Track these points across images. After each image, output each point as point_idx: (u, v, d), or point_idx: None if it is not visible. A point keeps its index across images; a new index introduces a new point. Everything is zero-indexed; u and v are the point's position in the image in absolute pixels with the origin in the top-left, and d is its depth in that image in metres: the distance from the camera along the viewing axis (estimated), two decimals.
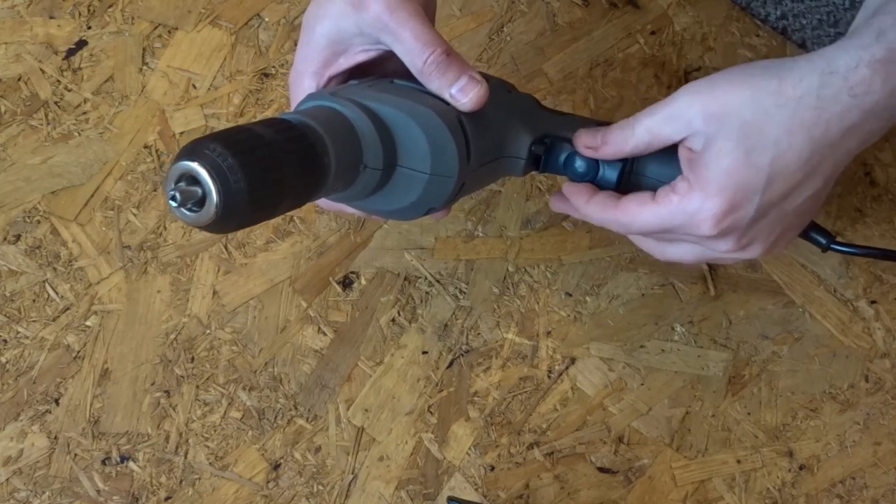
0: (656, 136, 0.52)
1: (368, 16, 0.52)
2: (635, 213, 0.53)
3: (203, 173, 0.40)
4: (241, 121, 0.75)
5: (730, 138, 0.48)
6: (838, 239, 0.58)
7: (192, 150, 0.40)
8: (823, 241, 0.59)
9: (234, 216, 0.41)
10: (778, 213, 0.51)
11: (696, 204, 0.50)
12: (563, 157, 0.59)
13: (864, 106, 0.47)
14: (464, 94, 0.52)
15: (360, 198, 0.53)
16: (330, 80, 0.56)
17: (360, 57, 0.55)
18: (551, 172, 0.60)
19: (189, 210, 0.41)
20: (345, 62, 0.55)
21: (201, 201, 0.40)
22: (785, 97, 0.48)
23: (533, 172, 0.61)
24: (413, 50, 0.52)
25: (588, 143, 0.55)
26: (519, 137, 0.58)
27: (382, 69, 0.56)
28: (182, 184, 0.40)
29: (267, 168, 0.42)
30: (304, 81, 0.56)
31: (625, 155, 0.54)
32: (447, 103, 0.52)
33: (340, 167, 0.48)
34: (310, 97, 0.52)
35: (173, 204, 0.40)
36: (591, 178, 0.59)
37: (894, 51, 0.46)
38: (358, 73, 0.56)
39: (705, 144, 0.49)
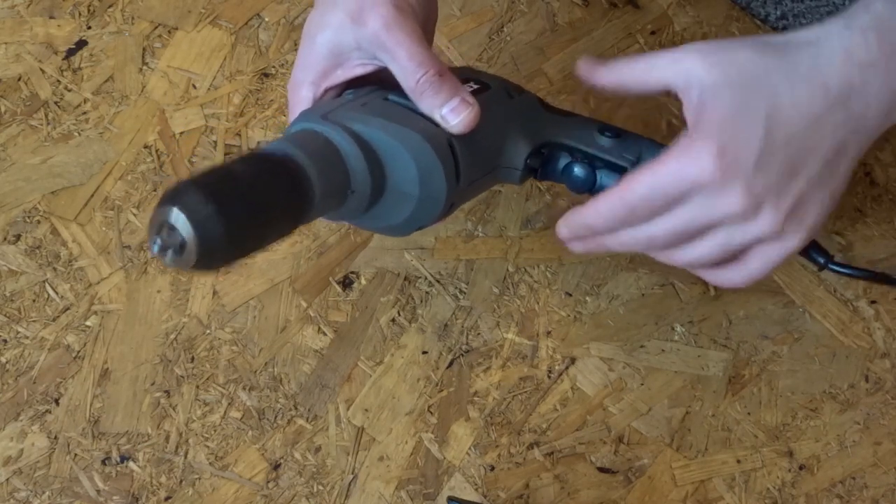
0: (657, 77, 0.52)
1: (366, 31, 0.52)
2: (637, 181, 0.51)
3: (180, 222, 0.42)
4: (241, 121, 0.75)
5: (729, 85, 0.49)
6: (836, 259, 0.59)
7: (171, 199, 0.42)
8: (822, 260, 0.59)
9: (214, 259, 0.43)
10: (787, 169, 0.49)
11: (696, 148, 0.49)
12: (561, 165, 0.58)
13: (863, 64, 0.48)
14: (454, 116, 0.52)
15: (351, 218, 0.54)
16: (327, 91, 0.56)
17: (358, 70, 0.55)
18: (550, 181, 0.60)
19: (172, 256, 0.43)
20: (342, 74, 0.56)
21: (181, 247, 0.42)
22: (786, 55, 0.50)
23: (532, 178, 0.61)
24: (407, 69, 0.52)
25: (588, 66, 0.54)
26: (516, 148, 0.58)
27: (380, 80, 0.56)
28: (163, 233, 0.42)
29: (245, 211, 0.44)
30: (301, 90, 0.56)
31: (621, 85, 0.53)
32: (438, 125, 0.53)
33: (326, 195, 0.49)
34: (302, 117, 0.53)
35: (155, 250, 0.42)
36: (590, 186, 0.59)
37: (883, 18, 0.48)
38: (356, 82, 0.56)
39: (704, 92, 0.50)
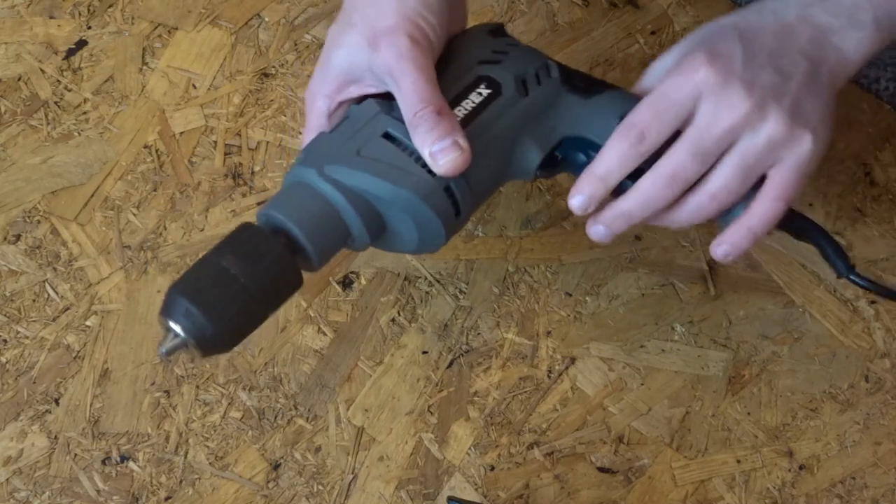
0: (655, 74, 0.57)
1: (379, 58, 0.53)
2: (639, 107, 0.53)
3: (177, 330, 0.49)
4: (241, 121, 0.75)
5: (699, 30, 0.56)
6: (857, 270, 0.59)
7: (165, 310, 0.50)
8: (844, 268, 0.59)
9: (218, 349, 0.50)
10: (775, 71, 0.52)
11: (687, 62, 0.53)
12: (579, 161, 0.57)
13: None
14: (442, 156, 0.52)
15: (357, 250, 0.56)
16: (340, 104, 0.57)
17: (370, 90, 0.56)
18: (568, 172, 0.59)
19: (179, 354, 0.50)
20: (355, 91, 0.57)
21: (185, 348, 0.50)
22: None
23: None
24: (408, 101, 0.52)
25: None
26: (526, 158, 0.57)
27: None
28: (168, 338, 0.50)
29: (235, 308, 0.49)
30: (317, 101, 0.57)
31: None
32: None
33: (323, 253, 0.53)
34: (305, 161, 0.53)
35: (164, 352, 0.50)
36: None
37: None
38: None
39: (681, 43, 0.56)
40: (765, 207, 0.54)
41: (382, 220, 0.54)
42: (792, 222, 0.58)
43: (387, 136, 0.53)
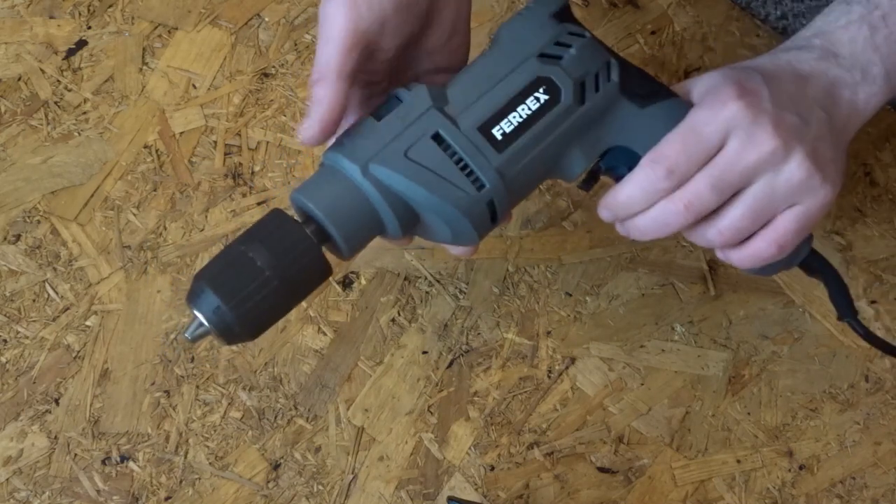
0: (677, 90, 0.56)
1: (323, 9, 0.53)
2: (669, 141, 0.53)
3: (200, 318, 0.50)
4: (241, 121, 0.75)
5: (723, 68, 0.55)
6: (859, 317, 0.60)
7: (190, 298, 0.50)
8: (847, 312, 0.60)
9: (240, 337, 0.51)
10: (798, 115, 0.52)
11: (720, 95, 0.52)
12: (621, 172, 0.55)
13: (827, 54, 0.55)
14: (302, 131, 0.53)
15: (387, 238, 0.55)
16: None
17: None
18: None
19: (203, 338, 0.51)
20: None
21: (208, 334, 0.50)
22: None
23: None
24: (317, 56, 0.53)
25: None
26: (571, 164, 0.55)
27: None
28: (194, 324, 0.50)
29: (261, 299, 0.49)
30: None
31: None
32: (482, 184, 0.52)
33: (355, 243, 0.53)
34: (343, 155, 0.52)
35: (188, 338, 0.51)
36: None
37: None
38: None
39: (705, 78, 0.55)
40: (759, 248, 0.54)
41: (418, 218, 0.53)
42: (808, 260, 0.59)
43: (436, 137, 0.52)
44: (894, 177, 0.77)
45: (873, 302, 0.73)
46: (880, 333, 0.72)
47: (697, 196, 0.52)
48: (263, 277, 0.49)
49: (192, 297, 0.50)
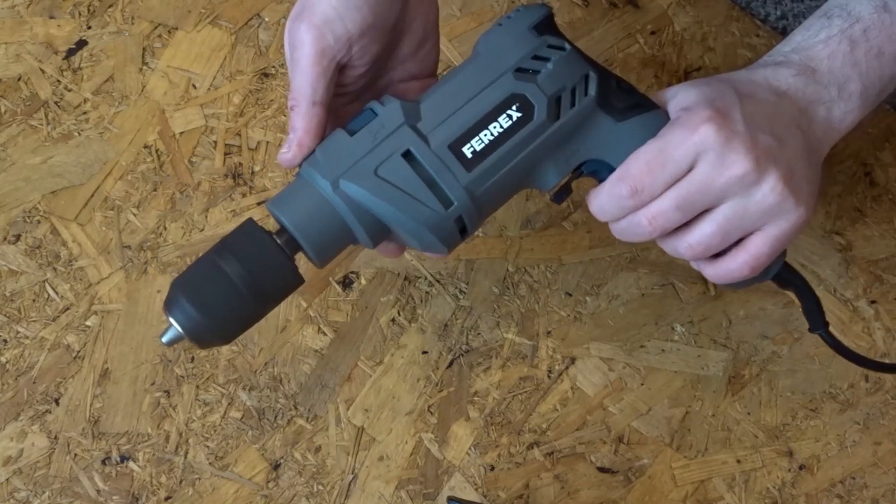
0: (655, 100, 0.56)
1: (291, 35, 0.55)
2: (634, 157, 0.52)
3: (174, 324, 0.52)
4: (241, 121, 0.75)
5: (698, 83, 0.54)
6: (830, 329, 0.62)
7: (167, 304, 0.52)
8: (819, 324, 0.62)
9: (211, 342, 0.53)
10: (773, 136, 0.52)
11: (693, 116, 0.52)
12: (602, 175, 0.55)
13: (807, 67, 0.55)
14: (281, 154, 0.54)
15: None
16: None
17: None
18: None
19: (178, 342, 0.53)
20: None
21: (182, 338, 0.53)
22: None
23: None
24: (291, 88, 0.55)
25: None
26: (544, 177, 0.55)
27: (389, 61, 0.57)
28: (170, 329, 0.52)
29: (231, 308, 0.52)
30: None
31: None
32: (450, 202, 0.52)
33: (325, 254, 0.54)
34: (316, 171, 0.53)
35: (164, 342, 0.53)
36: None
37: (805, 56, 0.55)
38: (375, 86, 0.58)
39: (681, 90, 0.54)
40: (730, 268, 0.54)
41: (388, 230, 0.54)
42: (780, 273, 0.59)
43: (407, 155, 0.52)
44: (894, 177, 0.77)
45: (873, 302, 0.73)
46: (880, 333, 0.72)
47: (662, 214, 0.53)
48: (234, 288, 0.51)
49: (168, 304, 0.52)
